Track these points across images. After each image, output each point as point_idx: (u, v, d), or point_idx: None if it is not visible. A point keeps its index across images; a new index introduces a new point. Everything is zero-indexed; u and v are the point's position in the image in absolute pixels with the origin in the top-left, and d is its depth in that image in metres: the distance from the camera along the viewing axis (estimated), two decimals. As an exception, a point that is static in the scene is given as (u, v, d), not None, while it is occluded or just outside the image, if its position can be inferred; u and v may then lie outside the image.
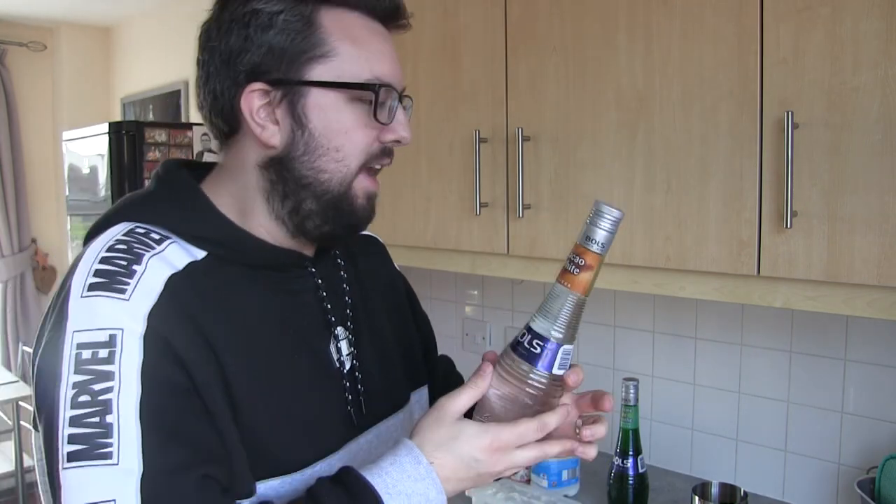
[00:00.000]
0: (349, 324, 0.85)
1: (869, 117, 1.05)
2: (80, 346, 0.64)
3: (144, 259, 0.68)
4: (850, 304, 1.11)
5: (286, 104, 0.73)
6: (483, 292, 2.18)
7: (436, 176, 1.66)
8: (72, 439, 0.62)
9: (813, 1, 1.09)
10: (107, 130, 2.73)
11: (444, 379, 1.06)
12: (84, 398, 0.63)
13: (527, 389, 0.70)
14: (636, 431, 1.47)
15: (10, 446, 3.41)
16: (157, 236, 0.72)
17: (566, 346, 0.70)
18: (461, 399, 0.71)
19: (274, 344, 0.75)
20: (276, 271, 0.79)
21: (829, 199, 1.09)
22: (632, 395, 1.45)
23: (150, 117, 3.70)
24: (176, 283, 0.68)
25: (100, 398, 0.63)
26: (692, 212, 1.25)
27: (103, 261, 0.67)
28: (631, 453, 1.46)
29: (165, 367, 0.65)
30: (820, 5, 1.08)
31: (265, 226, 0.78)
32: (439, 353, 1.10)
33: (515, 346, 0.71)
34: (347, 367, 0.83)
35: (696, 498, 1.38)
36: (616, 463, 1.48)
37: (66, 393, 0.63)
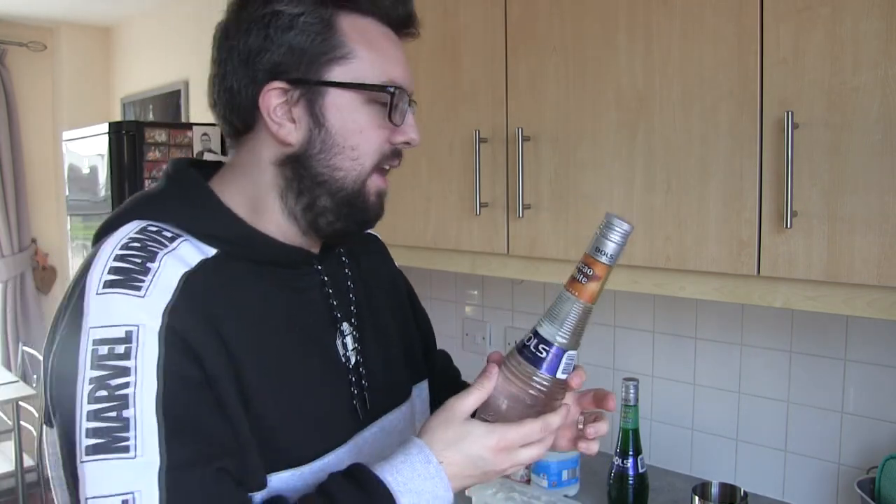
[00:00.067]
0: (353, 320, 0.87)
1: (869, 117, 1.05)
2: (98, 342, 0.65)
3: (159, 257, 0.70)
4: (850, 304, 1.11)
5: (304, 103, 0.75)
6: (483, 292, 2.18)
7: (436, 176, 1.66)
8: (91, 433, 0.63)
9: (813, 1, 1.09)
10: (107, 130, 2.73)
11: (443, 373, 1.09)
12: (102, 393, 0.64)
13: (530, 391, 0.73)
14: (636, 431, 1.47)
15: (10, 446, 3.41)
16: (169, 234, 0.73)
17: (570, 352, 0.73)
18: (468, 400, 0.73)
19: (283, 340, 0.77)
20: (285, 268, 0.80)
21: (829, 199, 1.09)
22: (632, 395, 1.45)
23: (150, 117, 3.70)
24: (190, 281, 0.70)
25: (118, 393, 0.64)
26: (692, 212, 1.25)
27: (118, 258, 0.69)
28: (631, 453, 1.46)
29: (182, 363, 0.67)
30: (820, 5, 1.08)
31: (277, 223, 0.79)
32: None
33: (522, 349, 0.74)
34: (352, 362, 0.85)
35: (696, 498, 1.38)
36: (616, 463, 1.48)
37: (84, 388, 0.64)
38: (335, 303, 0.85)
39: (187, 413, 0.66)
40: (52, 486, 0.77)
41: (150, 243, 0.71)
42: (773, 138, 1.14)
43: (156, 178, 2.72)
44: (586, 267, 0.71)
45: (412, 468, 0.71)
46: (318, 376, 0.80)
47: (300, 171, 0.77)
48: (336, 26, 0.75)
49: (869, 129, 1.05)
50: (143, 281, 0.68)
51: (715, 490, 1.42)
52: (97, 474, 0.63)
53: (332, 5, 0.75)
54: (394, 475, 0.70)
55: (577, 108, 1.40)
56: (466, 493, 1.46)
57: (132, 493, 0.62)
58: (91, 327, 0.66)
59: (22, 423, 3.24)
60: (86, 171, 2.99)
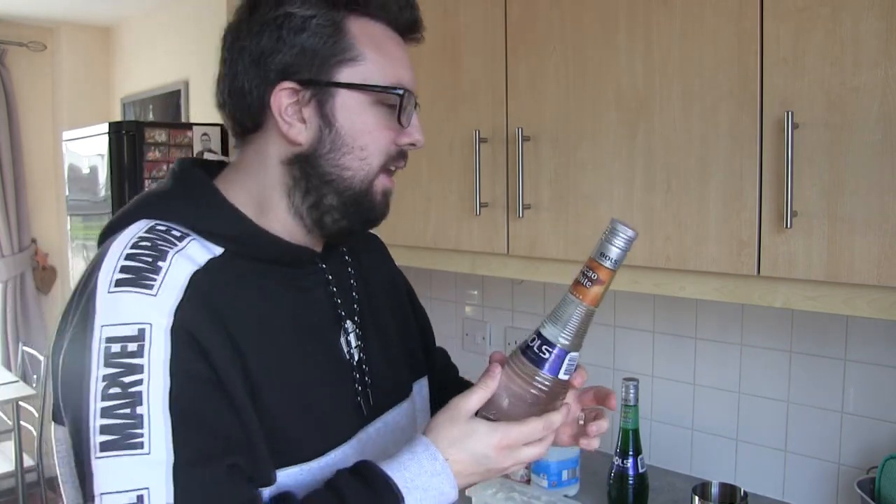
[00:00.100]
0: (356, 318, 0.89)
1: (869, 117, 1.05)
2: (109, 339, 0.66)
3: (168, 256, 0.71)
4: (850, 304, 1.11)
5: (315, 103, 0.77)
6: (483, 292, 2.18)
7: (436, 176, 1.66)
8: (103, 430, 0.64)
9: (813, 1, 1.09)
10: (107, 130, 2.73)
11: (443, 371, 1.10)
12: (114, 390, 0.65)
13: (532, 391, 0.74)
14: (636, 431, 1.47)
15: (10, 446, 3.41)
16: (177, 233, 0.74)
17: (573, 353, 0.74)
18: (472, 399, 0.75)
19: (289, 337, 0.78)
20: (289, 267, 0.82)
21: (829, 199, 1.09)
22: (632, 395, 1.45)
23: (150, 117, 3.70)
24: (199, 280, 0.71)
25: (130, 390, 0.65)
26: (692, 212, 1.25)
27: (128, 257, 0.70)
28: (631, 453, 1.46)
29: (192, 360, 0.68)
30: (820, 5, 1.08)
31: (282, 221, 0.80)
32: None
33: (525, 349, 0.75)
34: (356, 359, 0.87)
35: (696, 498, 1.38)
36: (616, 463, 1.48)
37: (96, 385, 0.65)
38: (339, 301, 0.87)
39: (198, 410, 0.67)
40: (59, 483, 0.77)
41: (159, 242, 0.72)
42: (773, 138, 1.14)
43: (156, 178, 2.72)
44: (590, 271, 0.73)
45: (419, 465, 0.72)
46: (323, 373, 0.82)
47: (308, 169, 0.78)
48: (346, 29, 0.77)
49: (869, 129, 1.05)
50: (154, 280, 0.69)
51: (715, 490, 1.42)
52: (110, 470, 0.64)
53: (342, 9, 0.77)
54: (401, 472, 0.71)
55: (577, 108, 1.40)
56: (466, 493, 1.46)
57: (145, 488, 0.63)
58: (102, 325, 0.67)
59: (22, 423, 3.24)
60: (86, 171, 2.99)
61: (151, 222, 0.74)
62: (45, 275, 4.08)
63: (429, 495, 0.72)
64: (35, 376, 3.44)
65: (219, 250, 0.75)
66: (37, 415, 3.27)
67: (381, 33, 0.80)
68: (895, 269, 1.04)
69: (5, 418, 3.41)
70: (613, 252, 0.72)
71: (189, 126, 2.86)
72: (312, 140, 0.77)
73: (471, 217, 1.59)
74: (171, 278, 0.69)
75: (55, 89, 4.05)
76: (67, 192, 3.23)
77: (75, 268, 3.25)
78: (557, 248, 1.45)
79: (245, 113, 0.79)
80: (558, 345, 0.73)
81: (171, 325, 0.67)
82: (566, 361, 0.74)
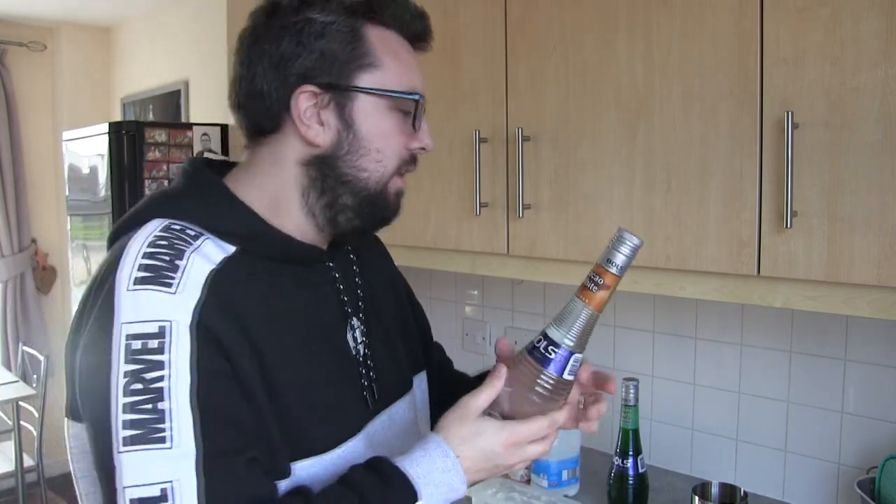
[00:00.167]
0: (361, 315, 0.92)
1: (869, 117, 1.05)
2: (131, 337, 0.68)
3: (186, 254, 0.73)
4: (850, 304, 1.11)
5: (334, 106, 0.79)
6: (483, 292, 2.18)
7: (436, 176, 1.66)
8: (127, 425, 0.66)
9: (813, 1, 1.09)
10: (107, 130, 2.73)
11: (440, 366, 1.14)
12: (137, 386, 0.67)
13: (537, 389, 0.77)
14: (636, 431, 1.47)
15: (10, 446, 3.41)
16: (192, 232, 0.76)
17: (577, 355, 0.78)
18: (480, 397, 0.77)
19: (301, 334, 0.81)
20: (300, 265, 0.84)
21: (829, 199, 1.09)
22: (632, 395, 1.45)
23: (150, 117, 3.70)
24: (216, 278, 0.73)
25: (153, 386, 0.67)
26: (692, 212, 1.25)
27: (147, 256, 0.72)
28: (631, 453, 1.46)
29: (213, 357, 0.70)
30: (820, 5, 1.08)
31: (295, 220, 0.82)
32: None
33: (532, 350, 0.78)
34: (361, 354, 0.89)
35: (696, 498, 1.38)
36: (616, 463, 1.48)
37: (118, 381, 0.67)
38: (345, 298, 0.89)
39: (220, 405, 0.69)
40: (73, 478, 0.79)
41: (176, 241, 0.74)
42: (773, 138, 1.14)
43: (156, 178, 2.72)
44: (597, 276, 0.76)
45: (431, 461, 0.75)
46: (333, 368, 0.84)
47: (325, 170, 0.81)
48: (364, 36, 0.79)
49: (869, 129, 1.05)
50: (173, 278, 0.71)
51: (715, 490, 1.42)
52: (135, 464, 0.66)
53: (360, 17, 0.80)
54: (414, 468, 0.74)
55: (577, 108, 1.40)
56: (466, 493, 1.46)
57: (170, 481, 0.65)
58: (124, 323, 0.68)
59: (22, 423, 3.24)
60: (86, 171, 2.99)
61: (166, 221, 0.76)
62: (45, 275, 4.08)
63: (440, 490, 0.74)
64: (35, 376, 3.44)
65: (231, 249, 0.77)
66: (37, 415, 3.27)
67: (394, 41, 0.83)
68: (895, 269, 1.04)
69: (5, 418, 3.41)
70: (619, 259, 0.76)
71: (189, 126, 2.86)
72: (331, 142, 0.80)
73: (471, 217, 1.59)
74: (190, 277, 0.71)
75: (55, 89, 4.05)
76: (67, 192, 3.23)
77: (75, 268, 3.25)
78: (557, 248, 1.45)
79: (264, 115, 0.80)
80: (564, 346, 0.76)
81: (192, 322, 0.69)
82: (570, 362, 0.77)
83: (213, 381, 0.69)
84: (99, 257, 2.98)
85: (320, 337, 0.84)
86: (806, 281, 1.14)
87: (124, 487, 0.65)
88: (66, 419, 0.78)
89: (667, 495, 1.61)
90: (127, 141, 2.69)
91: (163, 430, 0.66)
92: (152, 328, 0.68)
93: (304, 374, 0.79)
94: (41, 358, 3.36)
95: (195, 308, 0.70)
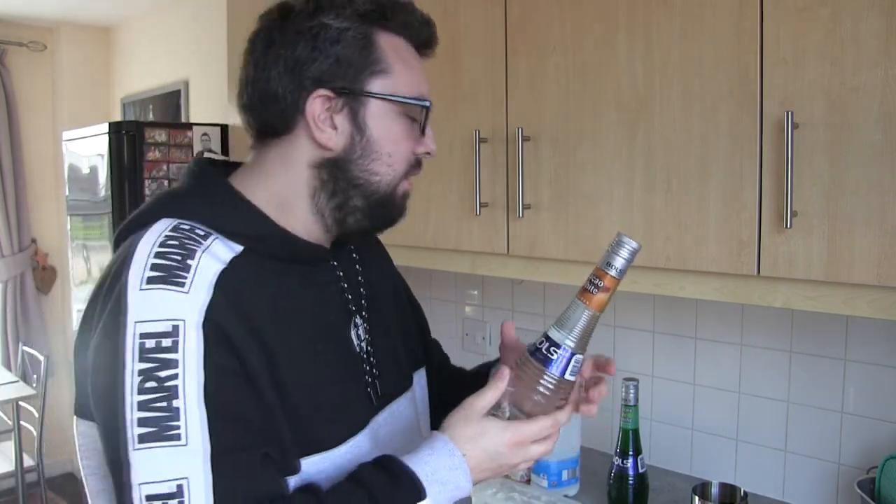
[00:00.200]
0: (363, 313, 0.93)
1: (869, 117, 1.05)
2: (143, 335, 0.69)
3: (196, 254, 0.74)
4: (850, 304, 1.11)
5: (347, 111, 0.81)
6: (483, 292, 2.18)
7: (436, 176, 1.66)
8: (140, 422, 0.67)
9: (813, 1, 1.09)
10: (107, 130, 2.73)
11: (439, 362, 1.15)
12: (150, 384, 0.68)
13: (539, 389, 0.79)
14: (636, 431, 1.47)
15: (10, 446, 3.41)
16: (201, 232, 0.77)
17: (578, 356, 0.80)
18: (484, 398, 0.79)
19: (308, 332, 0.82)
20: (305, 264, 0.85)
21: (829, 199, 1.09)
22: (632, 395, 1.45)
23: (150, 117, 3.70)
24: (226, 278, 0.74)
25: (166, 384, 0.68)
26: (692, 212, 1.25)
27: (158, 255, 0.73)
28: (631, 453, 1.46)
29: (224, 355, 0.71)
30: (820, 5, 1.08)
31: (302, 221, 0.84)
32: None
33: (534, 351, 0.80)
34: (365, 352, 0.91)
35: (696, 498, 1.38)
36: (616, 463, 1.48)
37: (131, 380, 0.68)
38: (349, 296, 0.91)
39: (231, 403, 0.71)
40: (82, 476, 0.80)
41: (186, 241, 0.75)
42: (773, 138, 1.14)
43: (156, 178, 2.72)
44: (597, 279, 0.79)
45: (438, 460, 0.76)
46: (339, 366, 0.86)
47: (337, 173, 0.82)
48: (376, 43, 0.81)
49: (869, 129, 1.05)
50: (185, 277, 0.72)
51: (715, 490, 1.42)
52: (148, 461, 0.67)
53: (373, 23, 0.82)
54: (422, 466, 0.75)
55: (577, 108, 1.40)
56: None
57: (185, 478, 0.67)
58: (136, 321, 0.69)
59: (22, 423, 3.24)
60: (86, 171, 2.99)
61: (175, 221, 0.77)
62: (45, 275, 4.08)
63: (447, 489, 0.75)
64: (35, 376, 3.44)
65: (238, 248, 0.78)
66: (37, 415, 3.27)
67: (403, 47, 0.85)
68: (895, 269, 1.04)
69: (5, 418, 3.41)
70: (618, 262, 0.78)
71: (189, 126, 2.86)
72: (344, 146, 0.81)
73: (471, 217, 1.59)
74: (200, 276, 0.72)
75: (55, 89, 4.05)
76: (67, 192, 3.23)
77: (75, 268, 3.25)
78: (557, 248, 1.45)
79: (276, 117, 0.82)
80: (565, 346, 0.79)
81: (202, 321, 0.70)
82: (572, 363, 0.79)
83: (224, 378, 0.71)
84: (99, 257, 2.98)
85: (326, 335, 0.85)
86: (806, 281, 1.14)
87: (139, 484, 0.66)
88: (74, 417, 0.79)
89: (667, 495, 1.61)
90: (127, 141, 2.69)
91: (177, 428, 0.67)
92: (165, 327, 0.69)
93: (311, 372, 0.80)
94: (41, 358, 3.36)
95: (205, 307, 0.71)
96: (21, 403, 3.21)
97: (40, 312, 4.04)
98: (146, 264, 0.72)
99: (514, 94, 1.50)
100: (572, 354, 0.79)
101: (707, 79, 1.21)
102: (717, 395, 1.67)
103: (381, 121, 0.82)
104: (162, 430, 0.67)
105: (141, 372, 0.68)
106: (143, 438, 0.67)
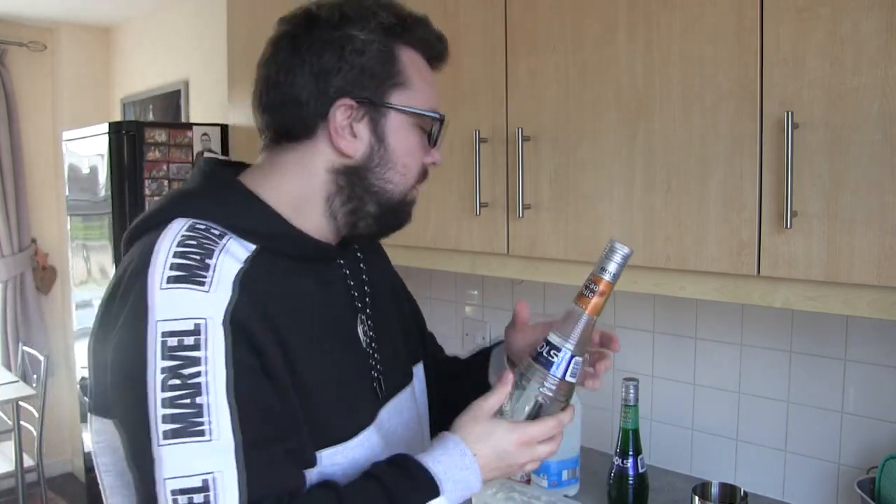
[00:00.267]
0: (368, 310, 0.97)
1: (869, 117, 1.05)
2: (166, 334, 0.71)
3: (215, 253, 0.76)
4: (850, 304, 1.11)
5: (368, 121, 0.84)
6: (483, 292, 2.18)
7: (436, 176, 1.64)
8: (166, 419, 0.69)
9: (813, 1, 1.09)
10: (107, 130, 2.73)
11: (434, 356, 1.18)
12: (174, 381, 0.70)
13: (542, 391, 0.83)
14: (636, 431, 1.47)
15: (10, 446, 3.41)
16: (217, 232, 0.79)
17: (577, 358, 0.83)
18: (491, 400, 0.83)
19: (320, 329, 0.85)
20: (315, 263, 0.88)
21: (829, 199, 1.09)
22: (632, 395, 1.45)
23: (150, 117, 3.70)
24: (244, 275, 0.76)
25: (190, 381, 0.70)
26: (692, 212, 1.25)
27: (178, 255, 0.74)
28: (631, 453, 1.46)
29: (247, 353, 0.73)
30: (820, 5, 1.08)
31: (315, 222, 0.87)
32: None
33: (536, 356, 0.84)
34: (370, 348, 0.94)
35: (696, 498, 1.38)
36: (616, 463, 1.48)
37: (155, 377, 0.70)
38: (356, 294, 0.94)
39: (255, 399, 0.73)
40: (97, 473, 0.83)
41: (204, 241, 0.76)
42: (773, 138, 1.14)
43: (156, 177, 2.72)
44: (593, 283, 0.83)
45: (451, 459, 0.79)
46: (348, 361, 0.89)
47: (354, 180, 0.85)
48: (397, 56, 0.85)
49: (869, 129, 1.05)
50: (205, 276, 0.74)
51: (715, 490, 1.42)
52: (175, 457, 0.69)
53: (395, 38, 0.85)
54: (436, 465, 0.78)
55: (577, 108, 1.40)
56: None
57: (211, 472, 0.69)
58: (158, 320, 0.71)
59: (22, 423, 3.24)
60: (86, 171, 2.99)
61: (190, 221, 0.78)
62: (45, 275, 4.08)
63: (458, 487, 0.78)
64: (35, 376, 3.44)
65: (252, 247, 0.80)
66: (37, 415, 3.27)
67: (419, 61, 0.88)
68: (895, 269, 1.04)
69: (5, 418, 3.41)
70: (612, 266, 0.83)
71: (189, 126, 2.86)
72: (363, 154, 0.84)
73: (471, 217, 1.59)
74: (220, 275, 0.74)
75: (55, 89, 4.05)
76: (67, 192, 3.23)
77: (75, 268, 3.25)
78: (557, 248, 1.45)
79: (297, 121, 0.84)
80: (565, 349, 0.82)
81: (225, 319, 0.72)
82: (572, 365, 0.83)
83: (248, 375, 0.73)
84: (99, 257, 2.98)
85: (336, 332, 0.88)
86: (806, 281, 1.14)
87: (165, 479, 0.68)
88: (90, 415, 0.80)
89: (667, 495, 1.61)
90: (127, 141, 2.69)
91: (202, 424, 0.69)
92: (188, 325, 0.71)
93: (324, 368, 0.83)
94: (41, 358, 3.36)
95: (228, 306, 0.73)
96: (21, 403, 3.21)
97: (40, 312, 4.04)
98: (166, 264, 0.73)
99: (514, 94, 1.50)
100: (572, 357, 0.82)
101: (707, 79, 1.21)
102: (717, 395, 1.67)
103: (398, 131, 0.85)
104: (188, 426, 0.69)
105: (164, 369, 0.69)
106: (168, 434, 0.68)
